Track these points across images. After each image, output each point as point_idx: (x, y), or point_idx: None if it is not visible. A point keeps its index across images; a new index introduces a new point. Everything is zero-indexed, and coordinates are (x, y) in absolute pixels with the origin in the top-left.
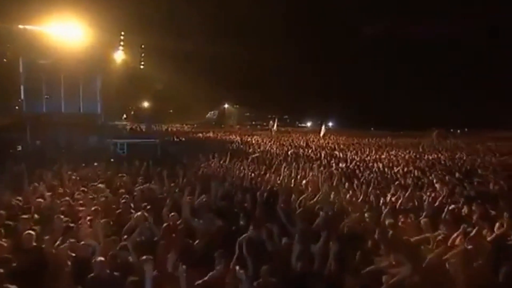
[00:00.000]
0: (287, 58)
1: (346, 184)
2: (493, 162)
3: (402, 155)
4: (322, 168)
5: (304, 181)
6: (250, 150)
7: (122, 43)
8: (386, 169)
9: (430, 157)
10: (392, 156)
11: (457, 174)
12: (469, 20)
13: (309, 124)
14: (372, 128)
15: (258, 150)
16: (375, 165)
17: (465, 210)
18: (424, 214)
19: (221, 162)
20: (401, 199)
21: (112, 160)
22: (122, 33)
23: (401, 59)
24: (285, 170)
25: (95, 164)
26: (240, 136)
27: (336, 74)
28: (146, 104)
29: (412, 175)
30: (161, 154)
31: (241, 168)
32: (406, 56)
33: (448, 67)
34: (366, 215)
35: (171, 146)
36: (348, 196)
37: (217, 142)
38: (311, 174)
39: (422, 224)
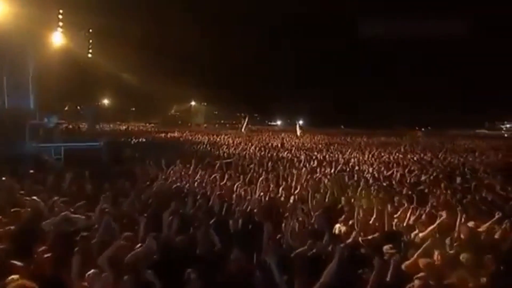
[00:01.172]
0: (257, 55)
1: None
2: (482, 162)
3: (387, 156)
4: (307, 176)
5: (290, 196)
6: (220, 153)
7: (60, 23)
8: (376, 174)
9: (415, 158)
10: (377, 158)
11: (458, 180)
12: (436, 23)
13: (279, 122)
14: (342, 126)
15: (229, 153)
16: (364, 168)
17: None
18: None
19: (183, 172)
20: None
21: (32, 171)
22: (61, 11)
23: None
24: (264, 182)
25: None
26: (208, 135)
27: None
28: (106, 101)
29: (408, 181)
30: (107, 162)
31: (208, 179)
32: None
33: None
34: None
35: (123, 150)
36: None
37: (181, 144)
38: (297, 186)
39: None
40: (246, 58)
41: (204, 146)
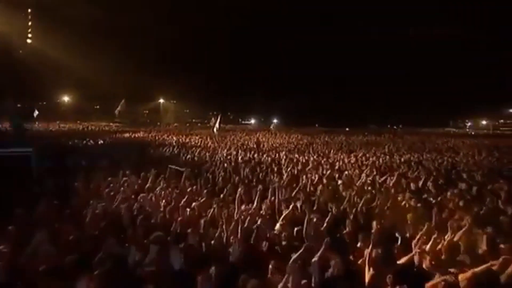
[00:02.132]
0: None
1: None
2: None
3: (373, 156)
4: (293, 184)
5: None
6: (189, 157)
7: None
8: (370, 180)
9: (402, 159)
10: (364, 160)
11: (463, 185)
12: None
13: (252, 121)
14: (317, 125)
15: (200, 156)
16: (354, 172)
17: None
18: None
19: (137, 185)
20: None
21: None
22: None
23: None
24: (243, 197)
25: None
26: (177, 136)
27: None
28: (66, 98)
29: (407, 187)
30: (37, 174)
31: (169, 196)
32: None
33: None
34: None
35: (65, 157)
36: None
37: (144, 146)
38: (286, 205)
39: None
40: (218, 55)
41: (171, 149)
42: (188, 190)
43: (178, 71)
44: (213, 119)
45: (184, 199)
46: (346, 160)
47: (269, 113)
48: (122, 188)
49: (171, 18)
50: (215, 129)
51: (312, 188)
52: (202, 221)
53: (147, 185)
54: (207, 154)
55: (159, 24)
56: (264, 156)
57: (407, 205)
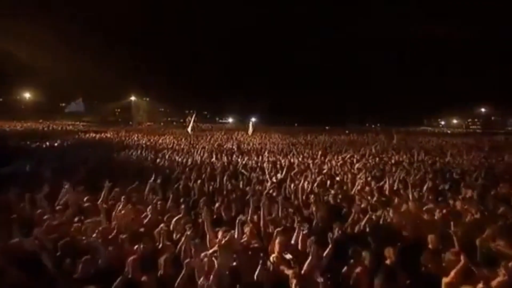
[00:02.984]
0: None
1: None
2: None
3: (364, 160)
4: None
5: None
6: (158, 163)
7: None
8: (367, 188)
9: (392, 160)
10: (353, 162)
11: (468, 192)
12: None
13: (230, 120)
14: (296, 124)
15: (171, 160)
16: (347, 178)
17: None
18: None
19: (85, 203)
20: None
21: None
22: None
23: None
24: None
25: None
26: (148, 136)
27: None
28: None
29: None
30: None
31: (120, 223)
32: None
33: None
34: None
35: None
36: None
37: (108, 148)
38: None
39: None
40: (195, 51)
41: (139, 152)
42: (152, 208)
43: (151, 67)
44: (189, 117)
45: (144, 222)
46: (334, 163)
47: (247, 112)
48: (58, 207)
49: (144, 10)
50: (189, 129)
51: (303, 199)
52: (161, 260)
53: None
54: (179, 158)
55: (131, 17)
56: (245, 159)
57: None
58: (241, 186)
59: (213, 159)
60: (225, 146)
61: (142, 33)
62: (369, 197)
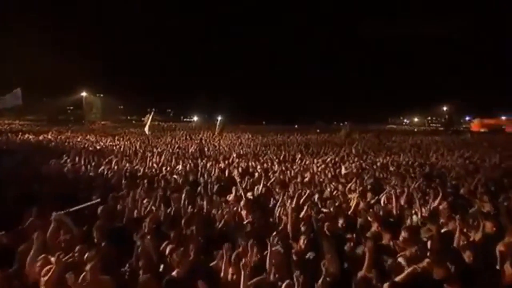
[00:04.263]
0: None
1: None
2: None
3: (346, 164)
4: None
5: None
6: (100, 172)
7: None
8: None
9: (378, 163)
10: (335, 165)
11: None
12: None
13: (195, 118)
14: (264, 122)
15: (118, 168)
16: (335, 189)
17: None
18: None
19: None
20: None
21: None
22: None
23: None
24: None
25: None
26: (99, 137)
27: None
28: None
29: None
30: None
31: None
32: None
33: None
34: None
35: None
36: None
37: (43, 154)
38: None
39: None
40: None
41: (76, 159)
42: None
43: (106, 58)
44: (148, 116)
45: None
46: (315, 168)
47: (213, 110)
48: None
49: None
50: (147, 129)
51: (289, 228)
52: None
53: None
54: (130, 166)
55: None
56: (209, 166)
57: None
58: (205, 207)
59: (172, 165)
60: (187, 148)
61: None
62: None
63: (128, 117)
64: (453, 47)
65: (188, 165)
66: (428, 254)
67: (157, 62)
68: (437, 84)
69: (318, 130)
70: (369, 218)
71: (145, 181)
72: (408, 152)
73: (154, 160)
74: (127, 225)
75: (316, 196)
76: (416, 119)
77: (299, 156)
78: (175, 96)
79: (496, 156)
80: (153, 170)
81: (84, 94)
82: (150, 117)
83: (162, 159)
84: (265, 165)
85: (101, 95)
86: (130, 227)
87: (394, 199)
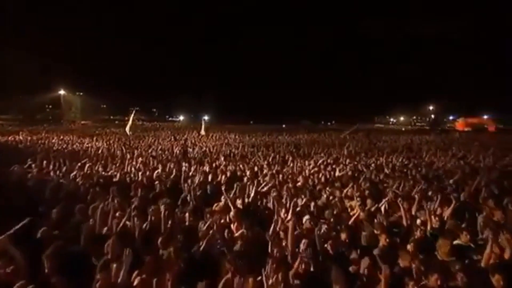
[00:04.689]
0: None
1: None
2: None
3: (340, 166)
4: None
5: None
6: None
7: None
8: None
9: (373, 165)
10: (328, 168)
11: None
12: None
13: (181, 118)
14: (251, 122)
15: (86, 176)
16: (337, 200)
17: None
18: None
19: None
20: None
21: None
22: None
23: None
24: None
25: None
26: (77, 138)
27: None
28: None
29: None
30: None
31: None
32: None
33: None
34: None
35: None
36: None
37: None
38: None
39: None
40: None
41: (45, 163)
42: None
43: (87, 57)
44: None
45: None
46: (307, 171)
47: (199, 109)
48: None
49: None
50: (127, 129)
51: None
52: None
53: None
54: (105, 171)
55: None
56: (193, 170)
57: None
58: (187, 219)
59: (153, 170)
60: (170, 150)
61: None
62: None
63: (111, 117)
64: (439, 47)
65: (170, 169)
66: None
67: (142, 61)
68: (422, 84)
69: (307, 130)
70: (375, 231)
71: (120, 188)
72: (401, 152)
73: (133, 163)
74: (89, 248)
75: (312, 205)
76: (402, 118)
77: (290, 158)
78: (161, 95)
79: (490, 157)
80: (131, 175)
81: (62, 92)
82: (132, 117)
83: (141, 163)
84: (255, 168)
85: (81, 93)
86: (93, 251)
87: (402, 209)
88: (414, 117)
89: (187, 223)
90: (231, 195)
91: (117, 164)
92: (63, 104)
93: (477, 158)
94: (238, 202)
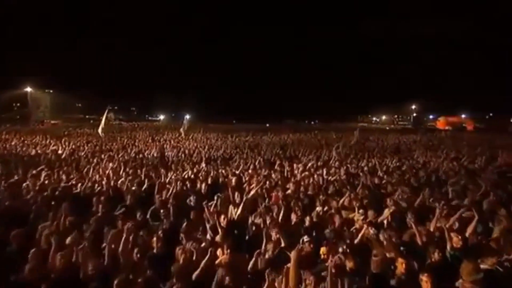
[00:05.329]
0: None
1: None
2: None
3: (332, 170)
4: None
5: None
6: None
7: None
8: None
9: (365, 168)
10: (317, 171)
11: None
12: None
13: (162, 117)
14: (234, 121)
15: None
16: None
17: None
18: None
19: None
20: None
21: None
22: None
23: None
24: None
25: None
26: (42, 139)
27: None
28: None
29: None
30: None
31: None
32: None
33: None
34: None
35: None
36: None
37: None
38: None
39: None
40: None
41: None
42: None
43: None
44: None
45: None
46: (298, 176)
47: (180, 108)
48: None
49: None
50: (100, 129)
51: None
52: None
53: None
54: (65, 178)
55: None
56: (170, 176)
57: None
58: (155, 248)
59: (122, 177)
60: (146, 153)
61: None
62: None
63: (87, 116)
64: (421, 46)
65: (144, 176)
66: None
67: (121, 57)
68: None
69: (291, 129)
70: (387, 254)
71: (78, 203)
72: (392, 153)
73: (101, 169)
74: None
75: (308, 221)
76: (384, 117)
77: (278, 161)
78: (141, 93)
79: (483, 157)
80: (96, 185)
81: (29, 89)
82: (104, 116)
83: (111, 169)
84: (239, 173)
85: (51, 90)
86: None
87: (413, 225)
88: (396, 116)
89: (155, 252)
90: (212, 207)
91: (84, 171)
92: (30, 102)
93: (470, 159)
94: (221, 219)
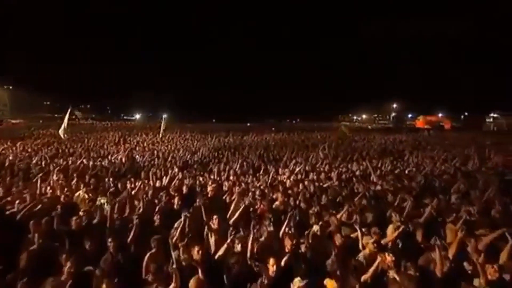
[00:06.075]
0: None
1: None
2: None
3: (323, 175)
4: None
5: None
6: None
7: None
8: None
9: (357, 172)
10: (310, 177)
11: None
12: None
13: (137, 116)
14: (214, 120)
15: None
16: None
17: None
18: None
19: None
20: None
21: None
22: None
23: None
24: None
25: None
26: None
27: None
28: None
29: None
30: None
31: None
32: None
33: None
34: None
35: None
36: None
37: None
38: None
39: None
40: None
41: None
42: None
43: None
44: (78, 113)
45: None
46: (287, 182)
47: (158, 107)
48: None
49: None
50: (61, 130)
51: None
52: None
53: None
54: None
55: None
56: (136, 189)
57: None
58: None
59: (75, 191)
60: (112, 158)
61: None
62: None
63: (56, 115)
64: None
65: (104, 189)
66: None
67: (96, 53)
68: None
69: (273, 129)
70: None
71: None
72: (380, 154)
73: (51, 181)
74: None
75: (304, 247)
76: (364, 116)
77: (262, 166)
78: (115, 91)
79: (475, 159)
80: (41, 201)
81: None
82: (67, 116)
83: (62, 180)
84: (219, 180)
85: (10, 87)
86: None
87: (437, 253)
88: (376, 115)
89: None
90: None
91: (27, 182)
92: None
93: (462, 161)
94: (195, 250)
